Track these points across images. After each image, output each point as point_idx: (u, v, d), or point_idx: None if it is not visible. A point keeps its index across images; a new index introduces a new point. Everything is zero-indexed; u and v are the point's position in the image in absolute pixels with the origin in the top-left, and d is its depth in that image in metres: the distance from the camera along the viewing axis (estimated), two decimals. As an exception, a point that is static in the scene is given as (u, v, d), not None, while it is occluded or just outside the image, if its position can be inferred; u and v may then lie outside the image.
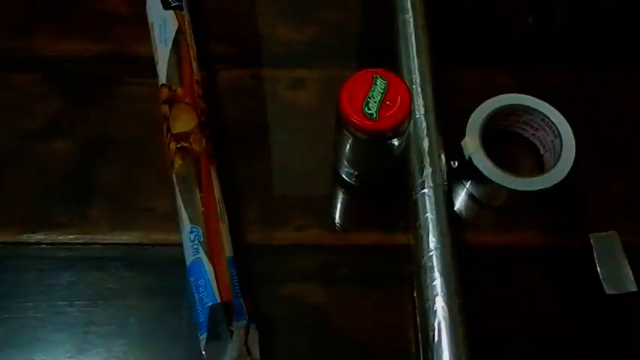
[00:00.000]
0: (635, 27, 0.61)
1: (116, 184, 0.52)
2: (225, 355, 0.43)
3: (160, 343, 0.47)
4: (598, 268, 0.48)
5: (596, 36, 0.60)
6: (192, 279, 0.45)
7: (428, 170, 0.50)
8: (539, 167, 0.54)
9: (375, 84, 0.45)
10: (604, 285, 0.47)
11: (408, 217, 0.50)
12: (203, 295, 0.44)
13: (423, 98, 0.52)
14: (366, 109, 0.44)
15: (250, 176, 0.53)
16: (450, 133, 0.52)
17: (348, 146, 0.48)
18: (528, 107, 0.53)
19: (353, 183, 0.53)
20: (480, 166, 0.50)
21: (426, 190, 0.49)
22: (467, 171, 0.52)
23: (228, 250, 0.46)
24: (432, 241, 0.47)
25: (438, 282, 0.46)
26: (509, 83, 0.57)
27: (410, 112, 0.45)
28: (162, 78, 0.52)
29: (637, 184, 0.54)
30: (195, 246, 0.46)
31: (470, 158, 0.51)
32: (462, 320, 0.45)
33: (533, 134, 0.54)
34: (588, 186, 0.53)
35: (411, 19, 0.56)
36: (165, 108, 0.51)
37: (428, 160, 0.50)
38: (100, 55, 0.58)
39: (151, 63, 0.54)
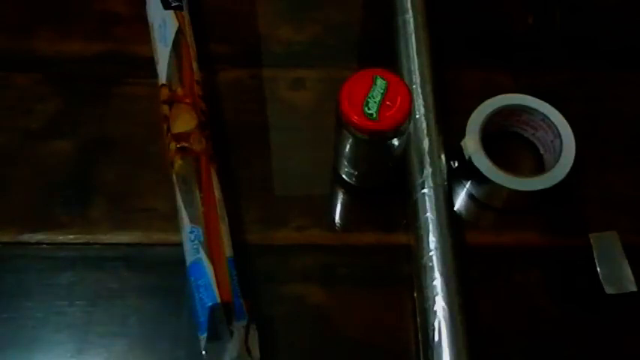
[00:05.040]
0: (635, 27, 0.61)
1: (116, 184, 0.52)
2: (225, 355, 0.43)
3: (160, 343, 0.47)
4: (598, 268, 0.48)
5: (596, 36, 0.60)
6: (192, 279, 0.45)
7: (428, 170, 0.50)
8: (539, 167, 0.54)
9: (375, 84, 0.45)
10: (604, 285, 0.47)
11: (408, 217, 0.50)
12: (203, 295, 0.44)
13: (423, 98, 0.52)
14: (366, 109, 0.44)
15: (250, 176, 0.53)
16: (450, 133, 0.52)
17: (348, 146, 0.48)
18: (528, 107, 0.53)
19: (353, 183, 0.53)
20: (480, 166, 0.50)
21: (426, 190, 0.49)
22: (467, 171, 0.52)
23: (228, 250, 0.46)
24: (432, 241, 0.47)
25: (438, 282, 0.46)
26: (509, 83, 0.57)
27: (410, 112, 0.45)
28: (162, 78, 0.52)
29: (637, 184, 0.54)
30: (195, 246, 0.46)
31: (470, 158, 0.51)
32: (462, 320, 0.45)
33: (533, 134, 0.54)
34: (588, 186, 0.53)
35: (411, 19, 0.56)
36: (165, 108, 0.51)
37: (428, 160, 0.50)
38: (100, 55, 0.58)
39: (151, 63, 0.54)
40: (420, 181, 0.50)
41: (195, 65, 0.53)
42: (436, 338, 0.44)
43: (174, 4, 0.54)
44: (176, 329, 0.47)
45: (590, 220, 0.52)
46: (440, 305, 0.45)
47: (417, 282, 0.48)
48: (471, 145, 0.51)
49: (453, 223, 0.49)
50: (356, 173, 0.52)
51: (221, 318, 0.43)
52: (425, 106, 0.52)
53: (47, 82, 0.57)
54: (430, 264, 0.47)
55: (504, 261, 0.51)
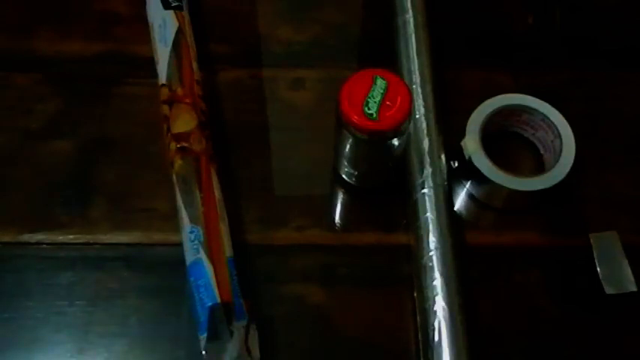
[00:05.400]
0: (635, 27, 0.61)
1: (116, 184, 0.52)
2: (225, 355, 0.43)
3: (160, 343, 0.47)
4: (598, 268, 0.48)
5: (596, 36, 0.60)
6: (192, 279, 0.45)
7: (428, 170, 0.50)
8: (539, 167, 0.54)
9: (375, 84, 0.45)
10: (604, 285, 0.47)
11: (408, 217, 0.50)
12: (203, 295, 0.44)
13: (423, 98, 0.52)
14: (366, 109, 0.44)
15: (250, 176, 0.53)
16: (450, 133, 0.52)
17: (348, 146, 0.48)
18: (528, 107, 0.53)
19: (353, 183, 0.53)
20: (480, 166, 0.50)
21: (426, 190, 0.49)
22: (467, 171, 0.52)
23: (228, 250, 0.46)
24: (432, 241, 0.47)
25: (438, 282, 0.46)
26: (509, 83, 0.57)
27: (410, 112, 0.45)
28: (162, 78, 0.52)
29: (637, 184, 0.54)
30: (196, 246, 0.46)
31: (470, 158, 0.51)
32: (462, 320, 0.45)
33: (533, 134, 0.54)
34: (588, 186, 0.53)
35: (411, 19, 0.56)
36: (165, 108, 0.51)
37: (428, 160, 0.50)
38: (100, 55, 0.58)
39: (151, 63, 0.54)
40: (420, 181, 0.50)
41: (195, 65, 0.53)
42: (436, 338, 0.44)
43: (174, 4, 0.54)
44: (176, 329, 0.47)
45: (590, 220, 0.52)
46: (440, 305, 0.45)
47: (417, 282, 0.48)
48: (471, 145, 0.51)
49: (453, 223, 0.49)
50: (356, 173, 0.52)
51: (221, 318, 0.43)
52: (425, 106, 0.52)
53: (47, 82, 0.57)
54: (430, 264, 0.47)
55: (504, 261, 0.51)
